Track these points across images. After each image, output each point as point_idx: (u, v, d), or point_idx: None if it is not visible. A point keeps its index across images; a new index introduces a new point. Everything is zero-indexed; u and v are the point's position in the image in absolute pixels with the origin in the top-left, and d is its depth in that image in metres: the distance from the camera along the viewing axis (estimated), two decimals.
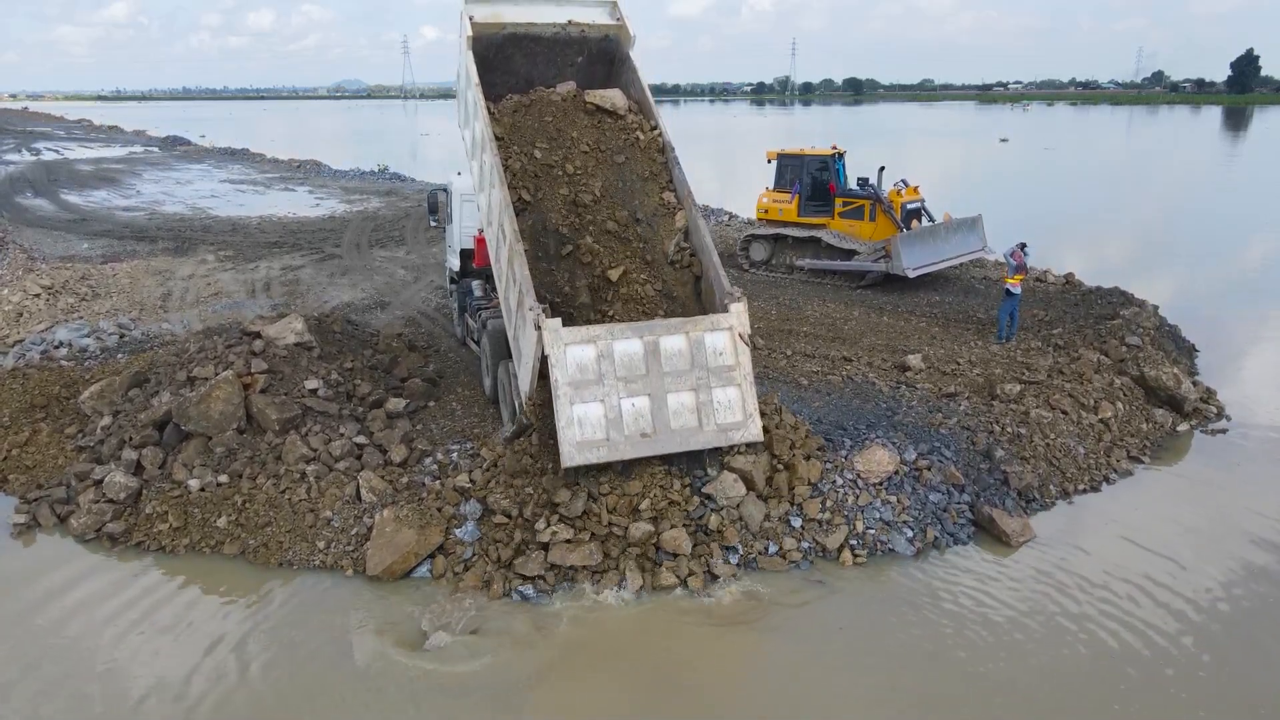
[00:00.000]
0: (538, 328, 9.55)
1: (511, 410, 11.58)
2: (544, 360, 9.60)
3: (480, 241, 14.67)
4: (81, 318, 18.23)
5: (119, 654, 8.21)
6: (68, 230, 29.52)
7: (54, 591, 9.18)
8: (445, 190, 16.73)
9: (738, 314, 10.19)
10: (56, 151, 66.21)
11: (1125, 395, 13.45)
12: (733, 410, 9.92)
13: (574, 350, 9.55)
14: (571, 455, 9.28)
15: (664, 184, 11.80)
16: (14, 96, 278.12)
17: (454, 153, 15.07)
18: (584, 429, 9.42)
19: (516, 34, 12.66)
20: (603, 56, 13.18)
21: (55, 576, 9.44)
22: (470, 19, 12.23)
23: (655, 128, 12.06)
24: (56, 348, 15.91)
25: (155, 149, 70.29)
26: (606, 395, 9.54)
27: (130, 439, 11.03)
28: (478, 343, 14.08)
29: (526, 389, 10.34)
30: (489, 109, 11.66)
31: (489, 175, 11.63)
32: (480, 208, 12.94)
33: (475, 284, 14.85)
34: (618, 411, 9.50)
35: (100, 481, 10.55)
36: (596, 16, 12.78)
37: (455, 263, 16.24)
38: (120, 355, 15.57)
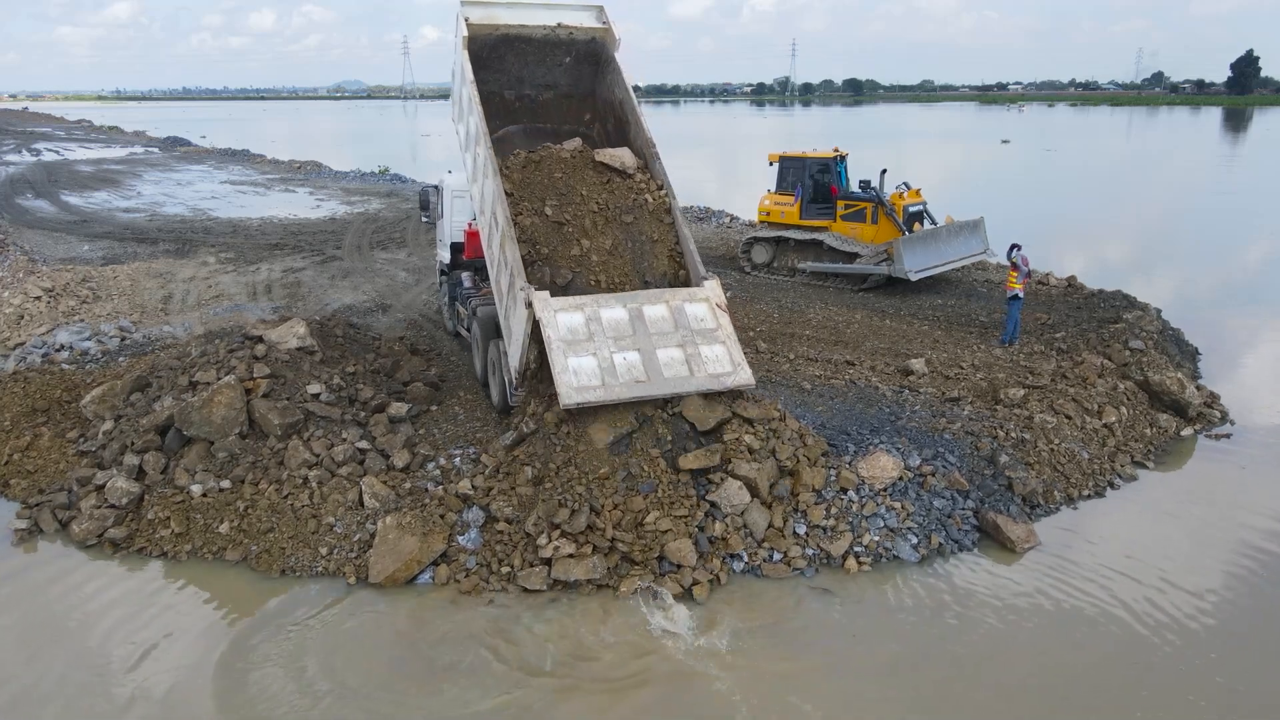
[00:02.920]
0: (528, 305, 10.23)
1: (501, 388, 12.29)
2: (535, 334, 10.32)
3: (470, 235, 15.40)
4: (83, 320, 18.20)
5: (117, 660, 8.17)
6: (68, 232, 29.49)
7: (57, 597, 9.14)
8: (436, 188, 17.37)
9: (712, 288, 11.04)
10: (57, 152, 66.20)
11: (1129, 400, 13.42)
12: (721, 362, 10.47)
13: (563, 315, 10.33)
14: (570, 395, 9.77)
15: (672, 246, 11.92)
16: (14, 97, 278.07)
17: (454, 154, 15.19)
18: (579, 377, 9.94)
19: (509, 35, 13.40)
20: (589, 57, 13.98)
21: (58, 582, 9.40)
22: (466, 20, 12.91)
23: (662, 188, 12.25)
24: (58, 351, 15.88)
25: (155, 150, 70.24)
26: (598, 350, 10.15)
27: (132, 444, 11.00)
28: (469, 329, 14.87)
29: (517, 364, 10.98)
30: (501, 167, 11.94)
31: (482, 167, 12.26)
32: (473, 197, 13.44)
33: (465, 275, 15.68)
34: (610, 362, 10.07)
35: (102, 487, 10.52)
36: (584, 20, 13.54)
37: (446, 256, 16.97)
38: (121, 358, 15.54)
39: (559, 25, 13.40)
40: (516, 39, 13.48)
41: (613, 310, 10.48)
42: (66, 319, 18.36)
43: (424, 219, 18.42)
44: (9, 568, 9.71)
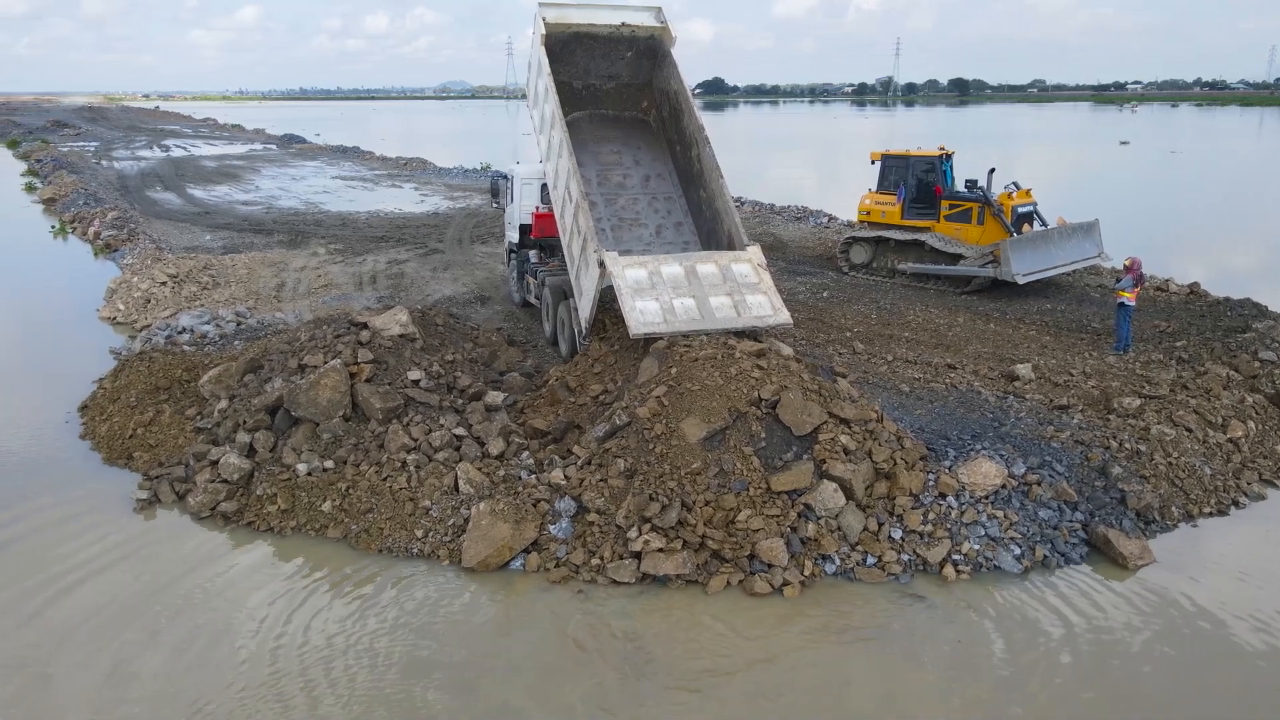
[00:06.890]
0: (601, 264, 12.08)
1: (570, 342, 14.31)
2: (605, 291, 12.19)
3: (537, 217, 17.23)
4: (203, 305, 19.18)
5: (220, 625, 8.54)
6: (192, 222, 31.19)
7: (170, 564, 9.65)
8: (505, 177, 19.32)
9: (754, 252, 12.76)
10: (184, 148, 69.99)
11: (1258, 414, 12.56)
12: (763, 308, 12.14)
13: (630, 271, 12.06)
14: (638, 327, 11.52)
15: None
16: (146, 96, 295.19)
17: None
18: (645, 315, 11.65)
19: (579, 33, 15.31)
20: (649, 53, 15.90)
21: (173, 550, 9.93)
22: (544, 20, 14.83)
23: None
24: (180, 333, 16.77)
25: (273, 147, 73.60)
26: (660, 296, 11.89)
27: (244, 422, 11.50)
28: (538, 297, 16.87)
29: (587, 316, 13.03)
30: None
31: (557, 147, 14.09)
32: (548, 174, 15.20)
33: (532, 253, 17.69)
34: (670, 305, 11.81)
35: (216, 462, 11.03)
36: (644, 19, 15.46)
37: (515, 236, 18.66)
38: (237, 342, 16.28)
39: (623, 24, 15.32)
40: (585, 36, 15.36)
41: (671, 267, 12.22)
42: (188, 304, 19.39)
43: (494, 204, 20.57)
44: (129, 534, 10.28)
